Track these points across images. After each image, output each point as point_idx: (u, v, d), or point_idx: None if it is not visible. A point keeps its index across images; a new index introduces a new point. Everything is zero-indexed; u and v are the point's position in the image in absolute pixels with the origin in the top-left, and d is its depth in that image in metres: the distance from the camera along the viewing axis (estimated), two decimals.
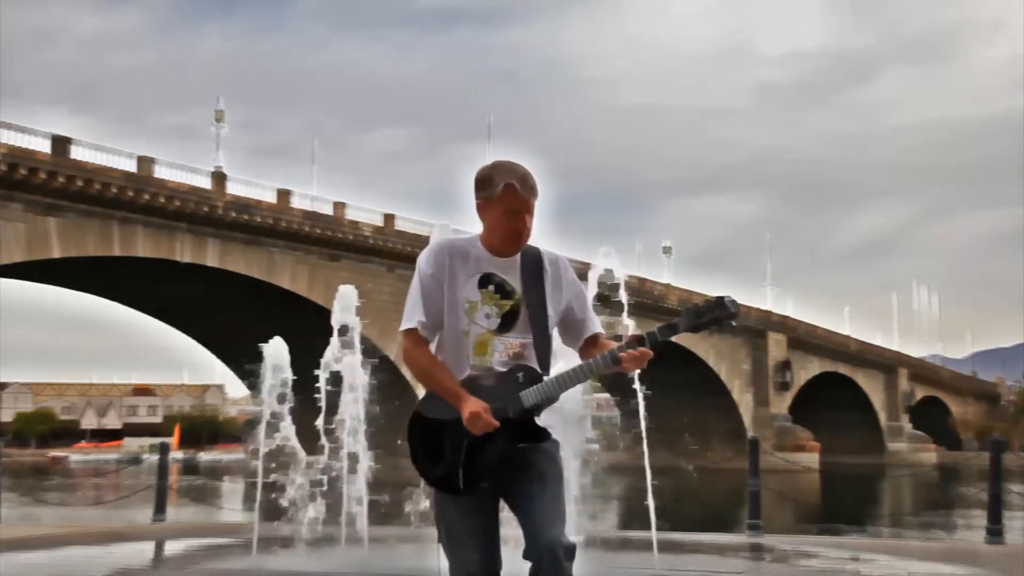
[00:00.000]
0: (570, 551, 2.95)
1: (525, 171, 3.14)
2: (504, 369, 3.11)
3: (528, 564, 2.97)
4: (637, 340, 3.06)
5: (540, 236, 3.27)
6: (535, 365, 3.14)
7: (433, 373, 3.10)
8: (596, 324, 3.31)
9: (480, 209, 3.16)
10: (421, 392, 3.21)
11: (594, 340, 3.27)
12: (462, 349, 3.12)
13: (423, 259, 3.14)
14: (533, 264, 3.18)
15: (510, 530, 3.19)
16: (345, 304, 9.22)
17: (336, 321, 9.15)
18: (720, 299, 3.04)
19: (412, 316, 3.11)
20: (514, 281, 3.16)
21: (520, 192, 3.10)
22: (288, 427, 8.82)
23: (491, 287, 3.14)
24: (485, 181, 3.15)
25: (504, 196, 3.10)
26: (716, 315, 3.02)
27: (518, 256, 3.17)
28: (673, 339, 3.14)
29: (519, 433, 3.07)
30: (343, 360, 8.99)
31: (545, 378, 3.12)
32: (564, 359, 3.37)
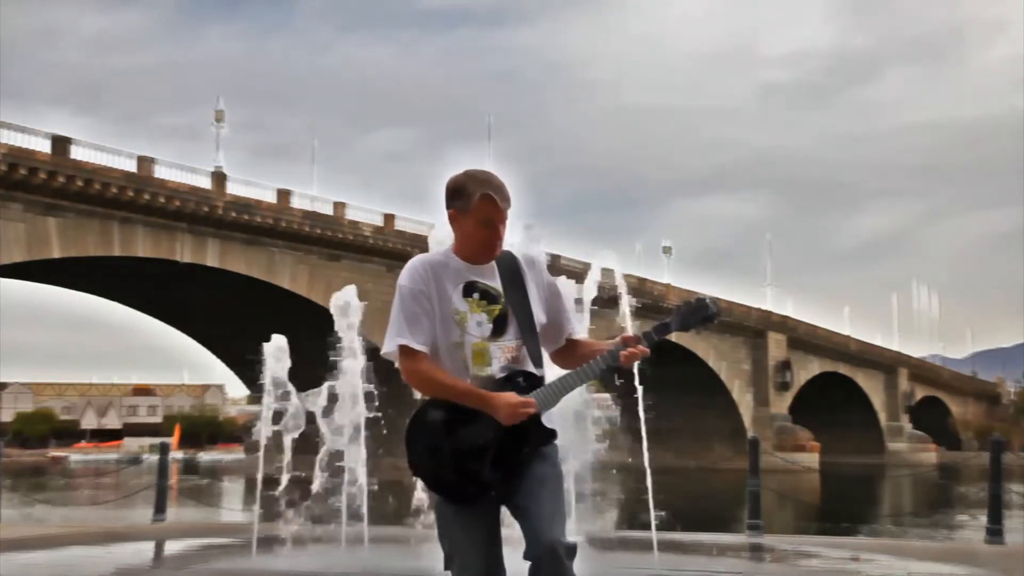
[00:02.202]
0: (571, 550, 2.94)
1: (500, 181, 3.10)
2: (503, 375, 3.09)
3: (528, 564, 2.95)
4: (634, 339, 3.12)
5: (542, 235, 3.27)
6: (531, 368, 3.13)
7: (445, 382, 3.04)
8: (575, 325, 3.29)
9: (453, 219, 3.12)
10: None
11: (574, 344, 3.26)
12: (459, 361, 3.09)
13: (405, 278, 3.10)
14: (511, 267, 3.17)
15: (510, 531, 3.19)
16: (347, 308, 9.19)
17: (339, 326, 9.13)
18: (702, 300, 3.20)
19: (401, 334, 3.06)
20: (496, 286, 3.14)
21: (498, 203, 3.08)
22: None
23: (476, 295, 3.12)
24: (459, 191, 3.11)
25: (481, 207, 3.07)
26: (703, 315, 3.18)
27: (494, 262, 3.16)
28: (668, 338, 3.22)
29: (534, 436, 3.06)
30: (344, 363, 8.99)
31: (545, 381, 3.12)
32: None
